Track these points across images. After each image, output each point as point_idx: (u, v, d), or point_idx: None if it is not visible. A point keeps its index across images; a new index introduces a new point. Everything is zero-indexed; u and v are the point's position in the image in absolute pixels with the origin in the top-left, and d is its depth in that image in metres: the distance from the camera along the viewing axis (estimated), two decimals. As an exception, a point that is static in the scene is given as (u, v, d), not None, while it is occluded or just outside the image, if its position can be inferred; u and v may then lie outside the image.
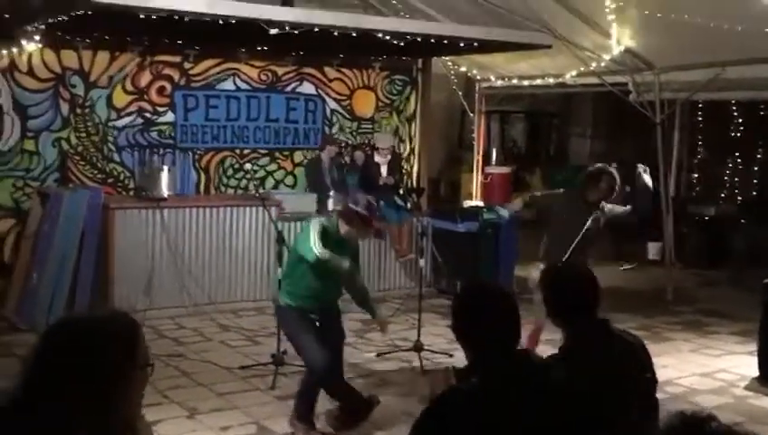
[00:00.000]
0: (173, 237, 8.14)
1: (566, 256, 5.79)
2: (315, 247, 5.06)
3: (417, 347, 6.87)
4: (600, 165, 6.55)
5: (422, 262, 7.55)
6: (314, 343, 5.14)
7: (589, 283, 3.22)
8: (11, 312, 7.73)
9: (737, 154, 12.19)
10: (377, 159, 9.67)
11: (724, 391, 6.34)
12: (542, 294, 3.27)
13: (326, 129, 10.21)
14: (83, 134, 8.76)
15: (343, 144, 10.18)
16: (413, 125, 10.87)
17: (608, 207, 6.23)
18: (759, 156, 12.06)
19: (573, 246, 5.91)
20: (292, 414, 5.31)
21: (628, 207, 6.61)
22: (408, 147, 10.85)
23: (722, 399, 6.15)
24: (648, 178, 6.48)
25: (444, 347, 7.01)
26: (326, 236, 5.15)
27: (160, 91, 9.16)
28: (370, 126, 10.52)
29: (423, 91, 10.81)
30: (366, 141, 10.26)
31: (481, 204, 10.57)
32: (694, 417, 1.42)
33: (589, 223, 6.01)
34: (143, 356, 1.99)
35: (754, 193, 12.13)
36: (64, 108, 8.62)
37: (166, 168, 8.65)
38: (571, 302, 3.16)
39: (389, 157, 9.66)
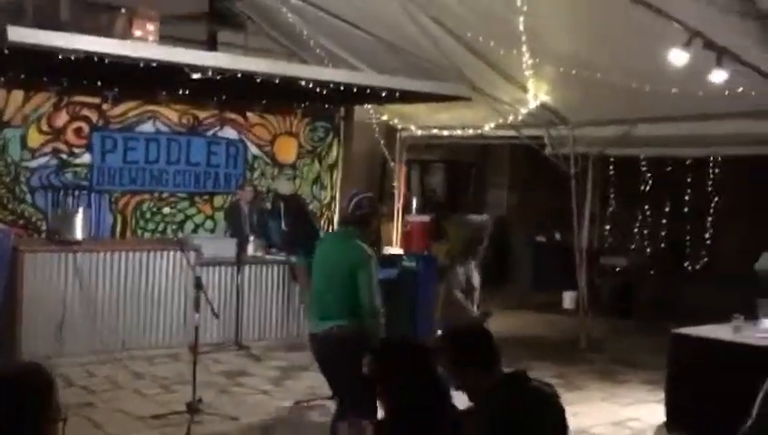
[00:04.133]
0: (86, 282, 7.92)
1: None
2: (377, 300, 4.67)
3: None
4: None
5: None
6: None
7: (483, 338, 3.23)
8: None
9: (646, 207, 12.64)
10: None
11: (634, 440, 6.49)
12: (444, 360, 3.25)
13: (247, 174, 10.17)
14: (-6, 174, 8.51)
15: (264, 189, 10.15)
16: (335, 172, 10.93)
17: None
18: (667, 209, 12.53)
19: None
20: None
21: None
22: (329, 194, 10.89)
23: (632, 447, 6.29)
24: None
25: (362, 396, 6.98)
26: None
27: (77, 131, 9.00)
28: (292, 172, 10.53)
29: (345, 138, 10.93)
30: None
31: (401, 252, 10.64)
32: None
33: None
34: (56, 410, 1.93)
35: (662, 245, 12.57)
36: (-25, 147, 8.38)
37: (81, 210, 8.46)
38: (474, 358, 3.12)
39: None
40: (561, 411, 3.30)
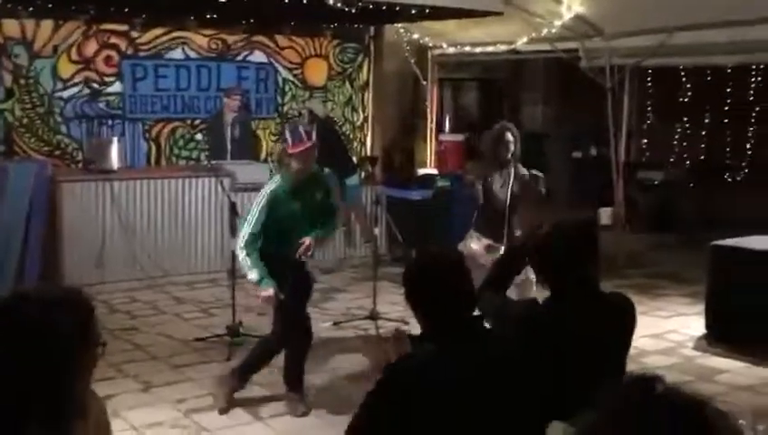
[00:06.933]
0: (124, 210, 8.02)
1: (501, 224, 5.86)
2: (240, 240, 5.04)
3: (373, 315, 6.90)
4: (499, 124, 6.22)
5: (376, 230, 7.56)
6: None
7: (582, 239, 3.00)
8: (-42, 288, 7.56)
9: (685, 119, 12.36)
10: None
11: (673, 352, 6.49)
12: (531, 250, 3.05)
13: (278, 98, 10.11)
14: (28, 105, 8.55)
15: (297, 110, 10.05)
16: (366, 94, 10.82)
17: (526, 171, 6.07)
18: (706, 121, 12.25)
19: (506, 212, 5.91)
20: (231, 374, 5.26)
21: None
22: (361, 116, 10.80)
23: (671, 359, 6.30)
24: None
25: (399, 314, 7.04)
26: (276, 205, 5.05)
27: (107, 60, 8.97)
28: (323, 95, 10.44)
29: (375, 59, 10.76)
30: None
31: (435, 172, 10.58)
32: (640, 379, 1.40)
33: (511, 183, 5.91)
34: (95, 335, 1.95)
35: (702, 157, 12.34)
36: (7, 79, 8.40)
37: (115, 139, 8.50)
38: (555, 259, 2.94)
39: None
40: (631, 324, 3.08)
